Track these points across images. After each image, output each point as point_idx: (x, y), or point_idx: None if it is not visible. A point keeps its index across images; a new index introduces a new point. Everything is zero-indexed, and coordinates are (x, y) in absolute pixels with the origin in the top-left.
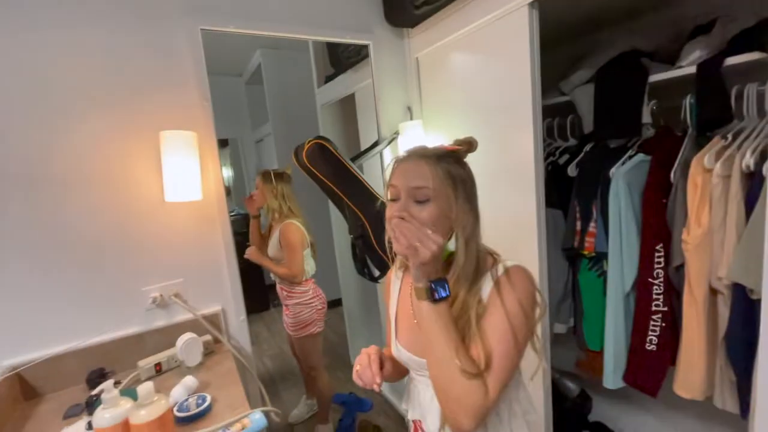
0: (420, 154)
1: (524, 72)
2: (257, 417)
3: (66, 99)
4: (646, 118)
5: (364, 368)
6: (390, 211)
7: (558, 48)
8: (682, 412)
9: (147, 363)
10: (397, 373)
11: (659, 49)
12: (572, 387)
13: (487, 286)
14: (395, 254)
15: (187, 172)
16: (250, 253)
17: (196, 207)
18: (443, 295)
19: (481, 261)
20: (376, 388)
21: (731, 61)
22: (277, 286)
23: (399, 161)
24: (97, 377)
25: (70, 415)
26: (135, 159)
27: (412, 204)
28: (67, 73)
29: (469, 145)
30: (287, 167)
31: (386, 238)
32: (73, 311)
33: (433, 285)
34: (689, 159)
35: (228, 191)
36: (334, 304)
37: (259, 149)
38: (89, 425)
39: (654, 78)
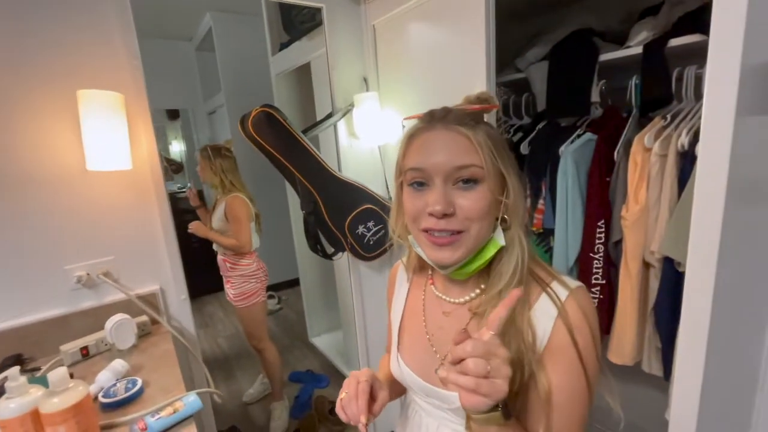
0: (451, 119)
1: (479, 47)
2: (191, 399)
3: None
4: (595, 97)
5: (349, 399)
6: (417, 205)
7: (516, 24)
8: (614, 376)
9: (71, 347)
10: (395, 394)
11: (611, 29)
12: None
13: (544, 317)
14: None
15: (111, 138)
16: (195, 226)
17: (126, 177)
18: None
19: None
20: (361, 428)
21: (674, 42)
22: (219, 259)
23: (418, 131)
24: (12, 364)
25: None
26: (50, 122)
27: (455, 191)
28: None
29: (488, 103)
30: (227, 141)
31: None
32: None
33: (501, 405)
34: (632, 138)
35: (180, 167)
36: (292, 283)
37: (212, 121)
38: None
39: (603, 57)
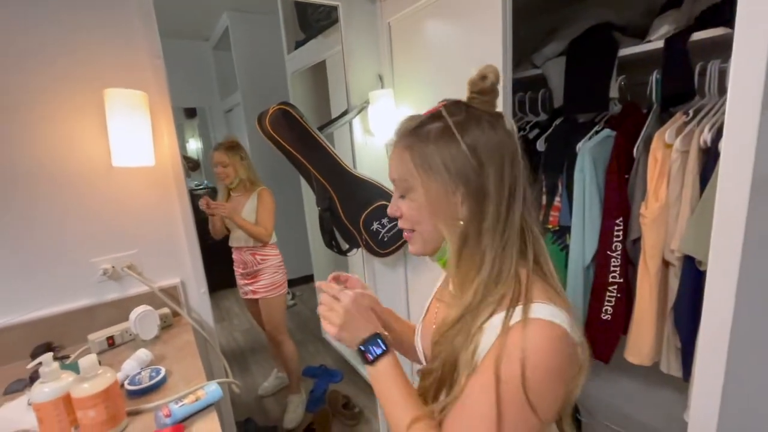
0: (400, 133)
1: (496, 42)
2: (212, 388)
3: None
4: (614, 93)
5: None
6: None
7: (533, 20)
8: (631, 376)
9: (98, 337)
10: (399, 345)
11: (631, 23)
12: None
13: (491, 331)
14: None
15: (136, 135)
16: (229, 209)
17: (149, 173)
18: (377, 352)
19: (499, 286)
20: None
21: (697, 36)
22: (245, 255)
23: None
24: (43, 352)
25: (13, 390)
26: (78, 119)
27: (399, 199)
28: None
29: (486, 80)
30: (234, 137)
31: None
32: (15, 282)
33: (362, 347)
34: (652, 134)
35: (197, 164)
36: (306, 279)
37: (228, 119)
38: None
39: (623, 52)
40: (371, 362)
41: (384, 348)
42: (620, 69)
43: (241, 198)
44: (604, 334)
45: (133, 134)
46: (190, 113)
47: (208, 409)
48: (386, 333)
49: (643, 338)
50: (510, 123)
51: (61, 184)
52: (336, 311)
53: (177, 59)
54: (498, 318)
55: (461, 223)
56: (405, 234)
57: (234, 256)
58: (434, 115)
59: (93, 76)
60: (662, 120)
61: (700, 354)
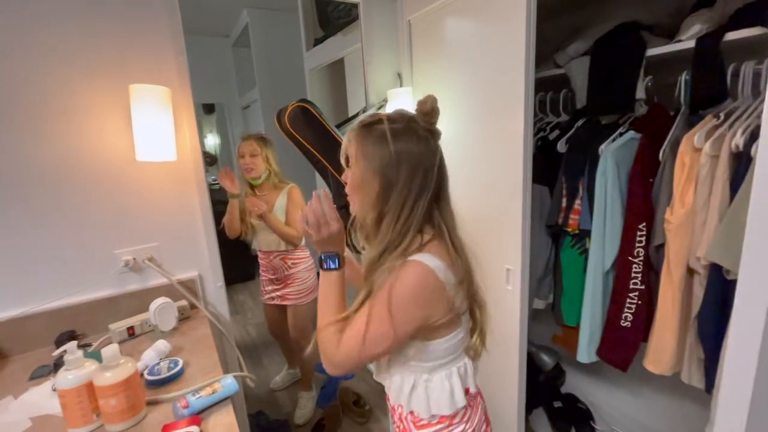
0: (358, 121)
1: (519, 41)
2: (229, 381)
3: (23, 46)
4: (640, 94)
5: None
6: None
7: (557, 18)
8: (649, 386)
9: (119, 326)
10: (351, 272)
11: (660, 22)
12: (548, 360)
13: (385, 273)
14: None
15: (159, 130)
16: (259, 206)
17: (171, 168)
18: (331, 266)
19: (398, 249)
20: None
21: (731, 36)
22: (275, 260)
23: None
24: (66, 339)
25: (37, 375)
26: (103, 113)
27: (347, 169)
28: (24, 18)
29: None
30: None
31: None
32: (41, 272)
33: (322, 256)
34: (679, 138)
35: (215, 159)
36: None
37: (246, 116)
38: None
39: (651, 52)
40: (324, 269)
41: (337, 266)
42: (647, 69)
43: (268, 196)
44: (622, 341)
45: (156, 129)
46: (209, 109)
47: (225, 402)
48: (345, 256)
49: (664, 347)
50: (435, 144)
51: (87, 178)
52: (323, 228)
53: (197, 56)
54: (394, 264)
55: (373, 201)
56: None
57: (261, 261)
58: (381, 119)
59: (119, 72)
60: (691, 123)
61: (727, 366)
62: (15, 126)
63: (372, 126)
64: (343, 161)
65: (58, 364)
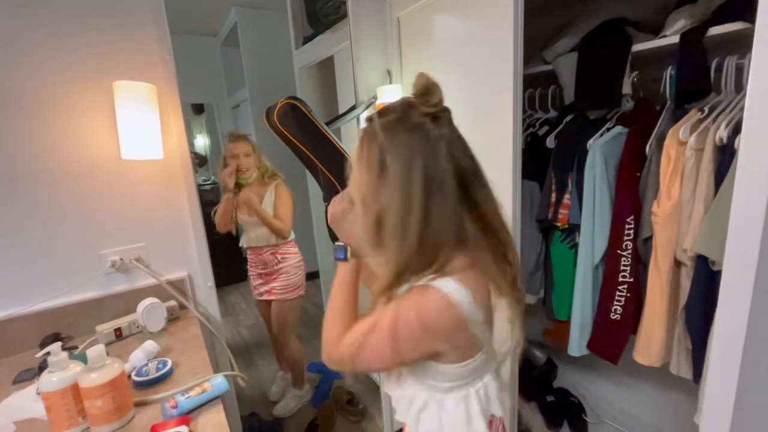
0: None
1: (507, 37)
2: (218, 381)
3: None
4: (627, 89)
5: None
6: None
7: (545, 15)
8: (639, 378)
9: (106, 328)
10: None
11: (645, 18)
12: (539, 355)
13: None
14: None
15: (145, 128)
16: (247, 197)
17: (158, 167)
18: (339, 257)
19: (408, 271)
20: None
21: (714, 31)
22: (265, 255)
23: None
24: (51, 342)
25: (21, 379)
26: (87, 111)
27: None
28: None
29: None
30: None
31: None
32: (25, 273)
33: (335, 245)
34: (665, 132)
35: (204, 160)
36: (312, 276)
37: (236, 115)
38: None
39: (637, 48)
40: (335, 258)
41: (343, 257)
42: (633, 65)
43: (256, 192)
44: (613, 334)
45: (141, 127)
46: (198, 109)
47: (215, 401)
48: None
49: (653, 339)
50: (439, 129)
51: (71, 177)
52: (347, 216)
53: (185, 55)
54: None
55: (367, 208)
56: None
57: (250, 257)
58: (374, 116)
59: (103, 70)
60: (676, 117)
61: (713, 356)
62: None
63: (368, 124)
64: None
65: (42, 367)
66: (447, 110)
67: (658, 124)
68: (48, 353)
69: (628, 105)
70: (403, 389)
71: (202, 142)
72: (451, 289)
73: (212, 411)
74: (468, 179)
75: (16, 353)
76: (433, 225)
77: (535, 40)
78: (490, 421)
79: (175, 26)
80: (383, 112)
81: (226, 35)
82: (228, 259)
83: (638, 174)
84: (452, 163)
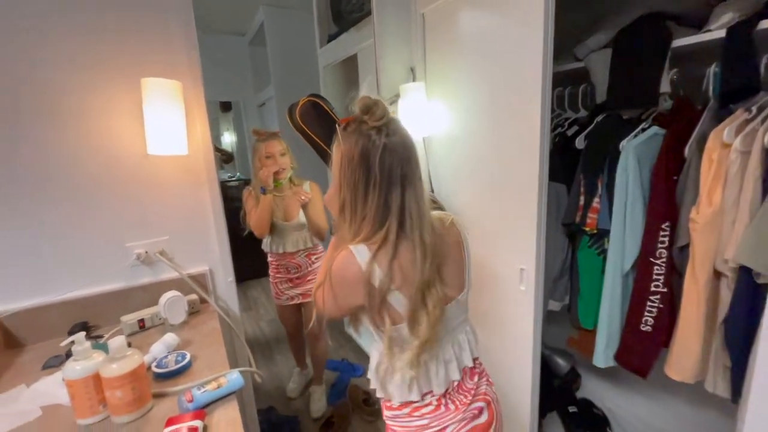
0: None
1: (537, 33)
2: (234, 376)
3: (35, 35)
4: (665, 87)
5: None
6: None
7: (576, 9)
8: (671, 394)
9: (130, 319)
10: None
11: (687, 11)
12: (563, 364)
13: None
14: None
15: (170, 124)
16: (306, 195)
17: (182, 162)
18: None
19: (353, 232)
20: None
21: (765, 24)
22: (300, 258)
23: None
24: (79, 330)
25: (50, 365)
26: (116, 108)
27: None
28: (35, 15)
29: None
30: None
31: None
32: (56, 264)
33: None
34: (707, 133)
35: (231, 156)
36: None
37: (262, 113)
38: None
39: (677, 43)
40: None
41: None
42: (673, 61)
43: (295, 190)
44: (642, 346)
45: (167, 122)
46: (226, 107)
47: (230, 397)
48: None
49: (688, 353)
50: (381, 138)
51: (100, 171)
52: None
53: (215, 54)
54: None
55: (335, 195)
56: None
57: (277, 261)
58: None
59: (131, 67)
60: (719, 117)
61: (756, 375)
62: (31, 121)
63: (337, 133)
64: None
65: (69, 354)
66: (391, 121)
67: (699, 125)
68: (73, 342)
69: (665, 104)
70: (372, 356)
71: (229, 139)
72: (357, 249)
73: (227, 406)
74: (394, 180)
75: (47, 339)
76: (366, 208)
77: (565, 36)
78: (431, 395)
79: (206, 25)
80: (347, 125)
81: (254, 34)
82: (249, 255)
83: (675, 178)
84: (384, 166)
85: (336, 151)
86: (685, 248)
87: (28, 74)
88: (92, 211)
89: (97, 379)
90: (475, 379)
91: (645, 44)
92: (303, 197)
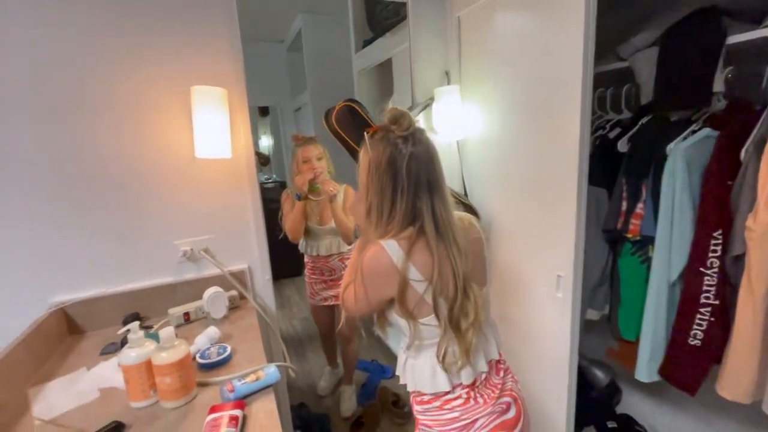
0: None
1: (577, 33)
2: (271, 370)
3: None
4: (719, 86)
5: None
6: None
7: (619, 7)
8: (722, 414)
9: (176, 311)
10: None
11: (745, 6)
12: (601, 376)
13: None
14: None
15: (217, 129)
16: (336, 188)
17: (226, 165)
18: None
19: (381, 231)
20: None
21: None
22: (333, 262)
23: None
24: (131, 320)
25: (107, 351)
26: (167, 113)
27: None
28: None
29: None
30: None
31: None
32: (112, 258)
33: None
34: (766, 135)
35: (268, 159)
36: None
37: (297, 118)
38: None
39: (733, 39)
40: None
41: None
42: (727, 59)
43: (333, 195)
44: (690, 361)
45: (214, 128)
46: (264, 111)
47: (267, 389)
48: None
49: (742, 371)
50: (408, 147)
51: (153, 173)
52: (357, 203)
53: (255, 61)
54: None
55: (362, 198)
56: None
57: (315, 264)
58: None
59: (181, 75)
60: None
61: None
62: (93, 125)
63: (365, 141)
64: None
65: (123, 342)
66: (418, 131)
67: (758, 127)
68: (128, 330)
69: (719, 104)
70: (400, 355)
71: (266, 142)
72: (388, 244)
73: (265, 399)
74: (421, 186)
75: (104, 327)
76: (393, 211)
77: (607, 34)
78: (461, 387)
79: (247, 34)
80: (374, 133)
81: (291, 41)
82: (285, 254)
83: (730, 183)
84: (411, 173)
85: (363, 157)
86: (740, 258)
87: (88, 84)
88: (145, 210)
89: (148, 365)
90: (501, 374)
91: (697, 41)
92: (331, 189)
